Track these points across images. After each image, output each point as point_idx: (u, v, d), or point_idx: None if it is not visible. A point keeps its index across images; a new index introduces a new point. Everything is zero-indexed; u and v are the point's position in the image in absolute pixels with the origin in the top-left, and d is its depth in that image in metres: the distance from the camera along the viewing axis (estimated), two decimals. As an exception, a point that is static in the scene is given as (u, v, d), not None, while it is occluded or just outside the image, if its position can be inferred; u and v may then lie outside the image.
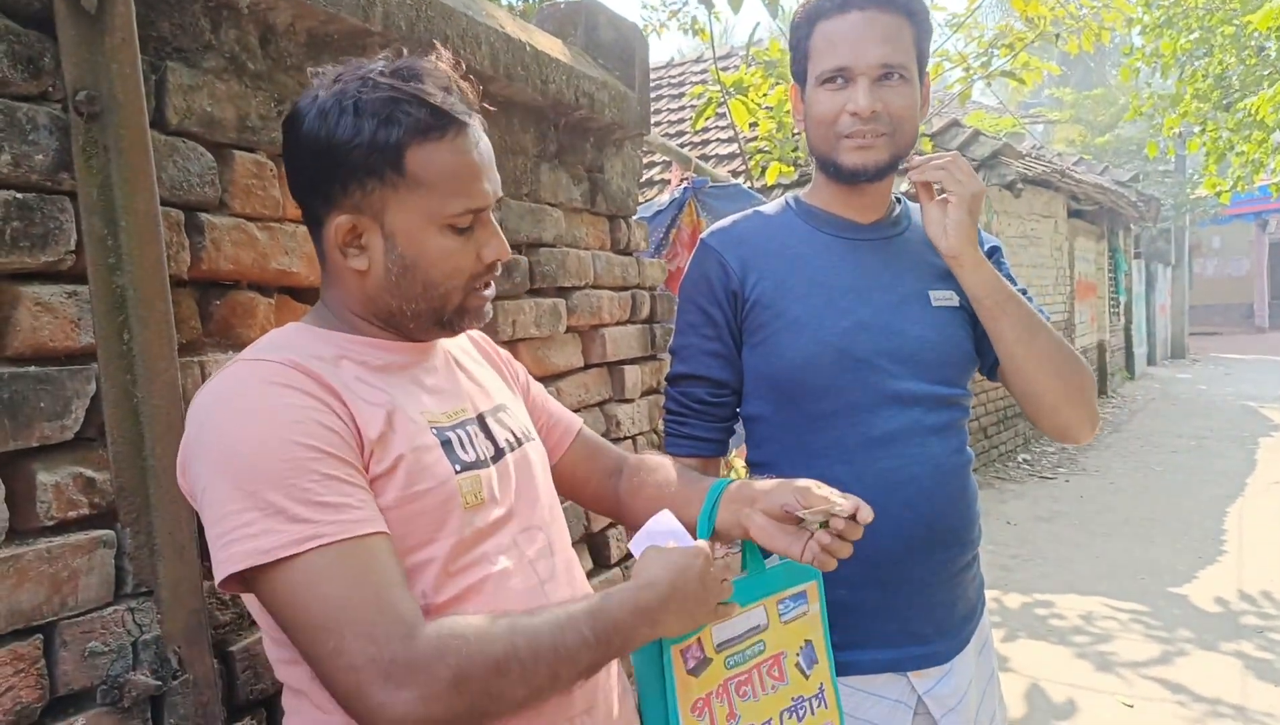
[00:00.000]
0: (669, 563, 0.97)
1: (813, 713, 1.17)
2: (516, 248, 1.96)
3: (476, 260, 0.97)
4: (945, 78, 5.65)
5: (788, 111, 5.29)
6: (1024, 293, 1.38)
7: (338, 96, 0.91)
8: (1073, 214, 9.94)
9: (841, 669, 1.25)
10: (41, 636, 0.95)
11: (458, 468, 0.92)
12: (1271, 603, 4.24)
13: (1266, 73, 7.13)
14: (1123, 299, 13.01)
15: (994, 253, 1.43)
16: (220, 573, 0.81)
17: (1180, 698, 3.32)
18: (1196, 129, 7.78)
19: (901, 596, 1.29)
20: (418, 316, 0.97)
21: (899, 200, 1.46)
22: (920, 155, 1.35)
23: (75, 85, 0.97)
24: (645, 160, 7.21)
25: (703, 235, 1.43)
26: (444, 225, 0.94)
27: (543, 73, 1.93)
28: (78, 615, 0.98)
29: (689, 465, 1.32)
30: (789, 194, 1.48)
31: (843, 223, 1.39)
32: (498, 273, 1.01)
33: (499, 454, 1.01)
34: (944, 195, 1.31)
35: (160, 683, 1.04)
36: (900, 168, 1.36)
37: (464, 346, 1.15)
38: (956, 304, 1.36)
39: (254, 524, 0.79)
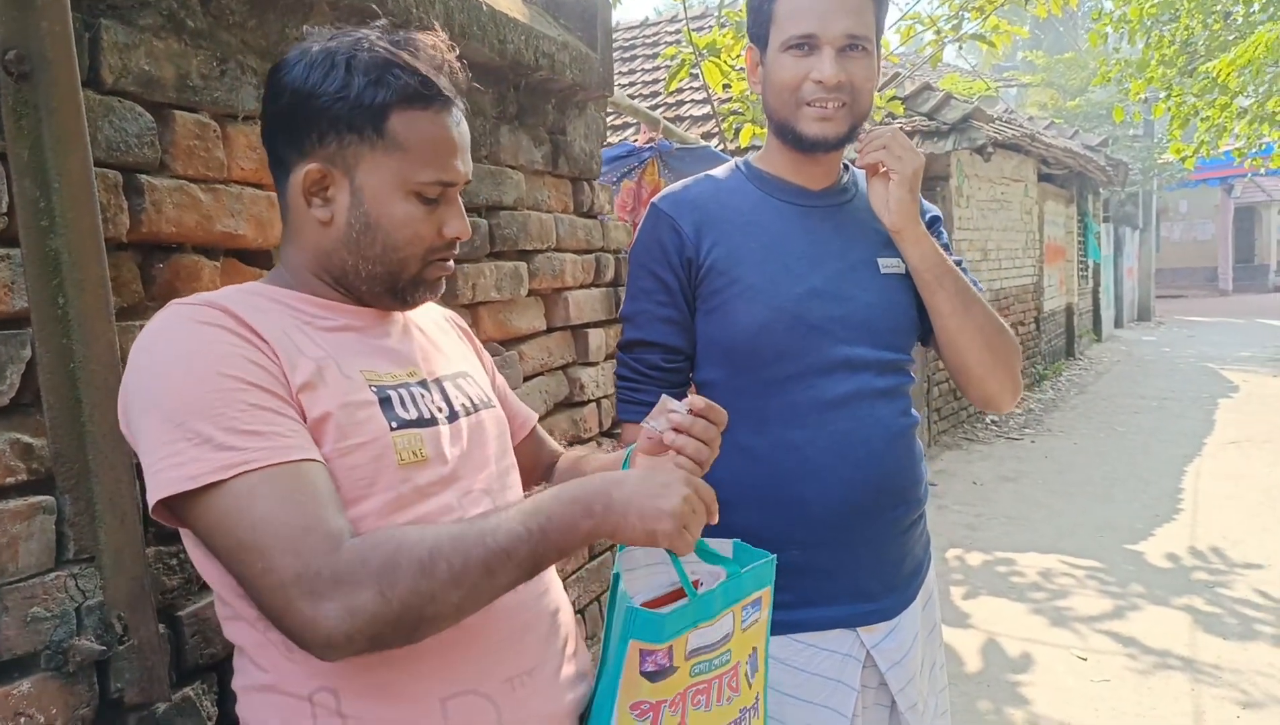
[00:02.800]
0: (631, 470, 0.96)
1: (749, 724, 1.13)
2: (476, 211, 1.94)
3: (438, 234, 0.99)
4: (917, 40, 5.63)
5: (758, 73, 5.26)
6: (959, 264, 1.40)
7: (329, 52, 0.93)
8: (1043, 178, 10.00)
9: (794, 626, 1.29)
10: (-18, 602, 0.95)
11: (394, 424, 0.92)
12: (1222, 559, 4.37)
13: (1232, 38, 7.17)
14: (1096, 261, 13.16)
15: (934, 222, 1.45)
16: (151, 501, 0.82)
17: (1131, 650, 3.43)
18: (1162, 94, 7.83)
19: (852, 555, 1.32)
20: (372, 278, 0.98)
21: (846, 167, 1.47)
22: (883, 123, 1.36)
23: (4, 44, 0.94)
24: (618, 122, 7.13)
25: (654, 199, 1.42)
26: (411, 191, 0.96)
27: (500, 32, 1.90)
28: (19, 581, 0.98)
29: (639, 430, 1.33)
30: (739, 158, 1.48)
31: (795, 189, 1.40)
32: (455, 250, 1.03)
33: (453, 416, 1.01)
34: (886, 171, 1.33)
35: (105, 648, 1.04)
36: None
37: (436, 320, 1.16)
38: (903, 271, 1.38)
39: (182, 453, 0.80)
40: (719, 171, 1.47)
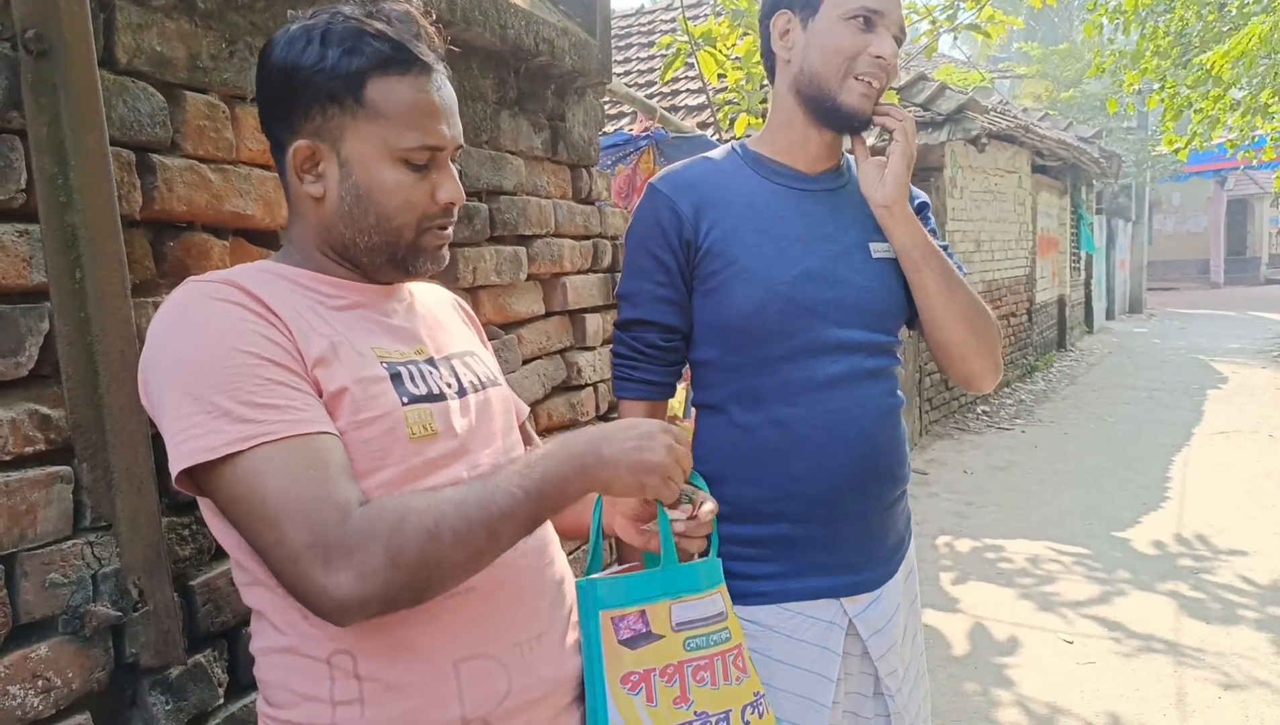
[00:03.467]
0: (613, 423, 1.00)
1: (760, 715, 1.12)
2: (476, 195, 1.96)
3: (431, 200, 0.99)
4: (912, 30, 5.65)
5: (756, 63, 5.26)
6: (945, 249, 1.43)
7: (306, 28, 0.95)
8: (1036, 169, 10.03)
9: (783, 595, 1.35)
10: (2, 567, 0.98)
11: (405, 400, 0.95)
12: (1207, 546, 4.43)
13: (1226, 29, 7.20)
14: (1090, 252, 13.22)
15: (923, 208, 1.49)
16: (174, 471, 0.85)
17: (1116, 634, 3.49)
18: (1156, 86, 7.86)
19: (839, 529, 1.37)
20: (371, 250, 0.99)
21: (843, 153, 1.50)
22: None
23: (24, 23, 0.97)
24: (613, 111, 7.14)
25: (652, 180, 1.44)
26: (398, 158, 0.96)
27: (501, 18, 1.92)
28: (37, 547, 1.01)
29: (636, 408, 1.41)
30: (735, 141, 1.50)
31: (791, 173, 1.43)
32: (453, 218, 1.03)
33: (462, 392, 1.03)
34: (879, 156, 1.37)
35: (120, 613, 1.07)
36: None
37: (442, 301, 1.19)
38: (893, 255, 1.41)
39: (202, 425, 0.83)
40: (716, 154, 1.49)
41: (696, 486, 1.13)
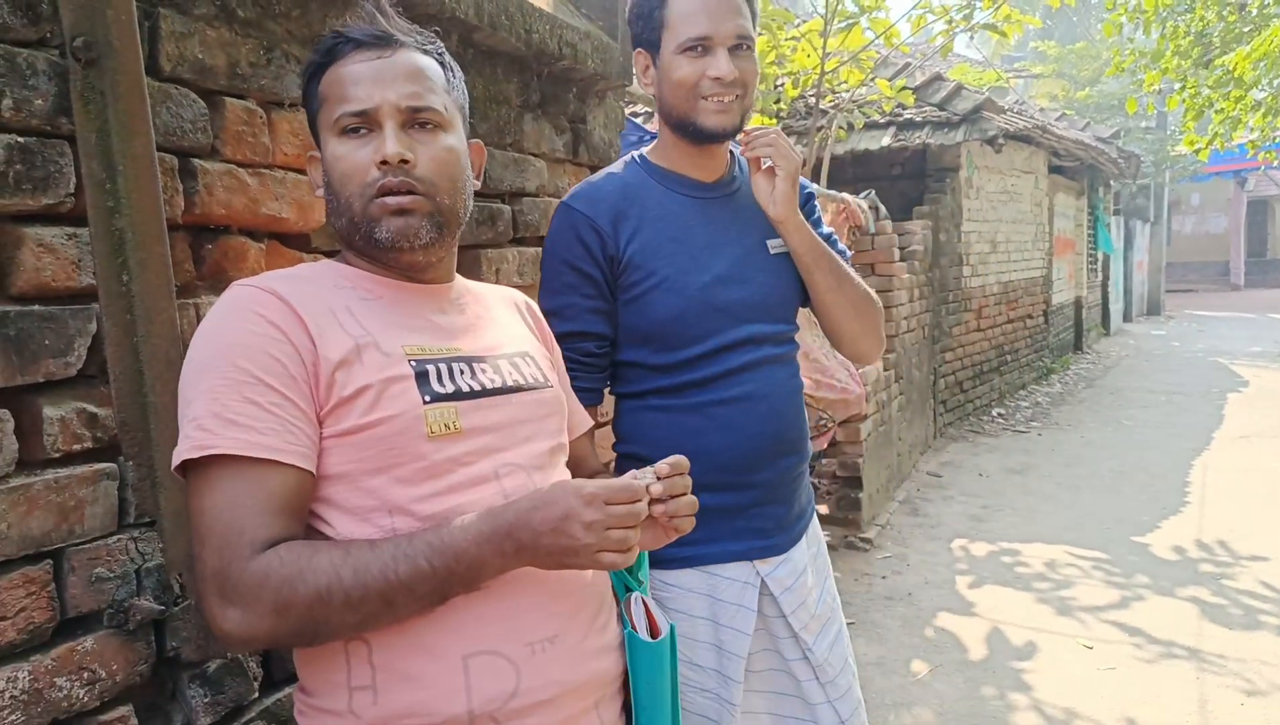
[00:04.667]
0: (536, 494, 0.93)
1: None
2: (499, 197, 1.99)
3: (369, 164, 0.99)
4: (928, 30, 5.64)
5: (770, 62, 5.28)
6: (830, 238, 1.62)
7: None
8: (1053, 169, 9.98)
9: (700, 560, 1.48)
10: (51, 562, 1.01)
11: (428, 398, 0.96)
12: (1228, 552, 4.41)
13: (1247, 30, 7.15)
14: (1108, 252, 13.13)
15: (809, 200, 1.65)
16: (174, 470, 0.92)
17: (1137, 640, 3.47)
18: (1177, 86, 7.81)
19: (751, 498, 1.50)
20: (349, 233, 1.03)
21: (732, 155, 1.60)
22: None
23: (73, 31, 0.99)
24: (627, 111, 7.16)
25: (566, 198, 1.52)
26: (337, 133, 1.01)
27: (526, 22, 1.94)
28: (84, 543, 1.04)
29: None
30: (634, 153, 1.59)
31: (692, 183, 1.53)
32: (395, 179, 0.99)
33: (502, 390, 1.04)
34: (769, 166, 1.47)
35: (163, 608, 1.10)
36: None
37: (505, 300, 1.22)
38: (786, 250, 1.55)
39: (183, 431, 0.90)
40: (617, 167, 1.57)
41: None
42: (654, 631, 1.09)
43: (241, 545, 0.86)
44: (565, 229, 1.49)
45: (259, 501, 0.87)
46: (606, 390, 1.56)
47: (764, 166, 1.48)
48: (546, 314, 1.48)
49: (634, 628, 1.07)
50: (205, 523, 0.87)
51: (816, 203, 1.67)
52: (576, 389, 1.47)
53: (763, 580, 1.50)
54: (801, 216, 1.51)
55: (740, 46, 1.42)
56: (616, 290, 1.48)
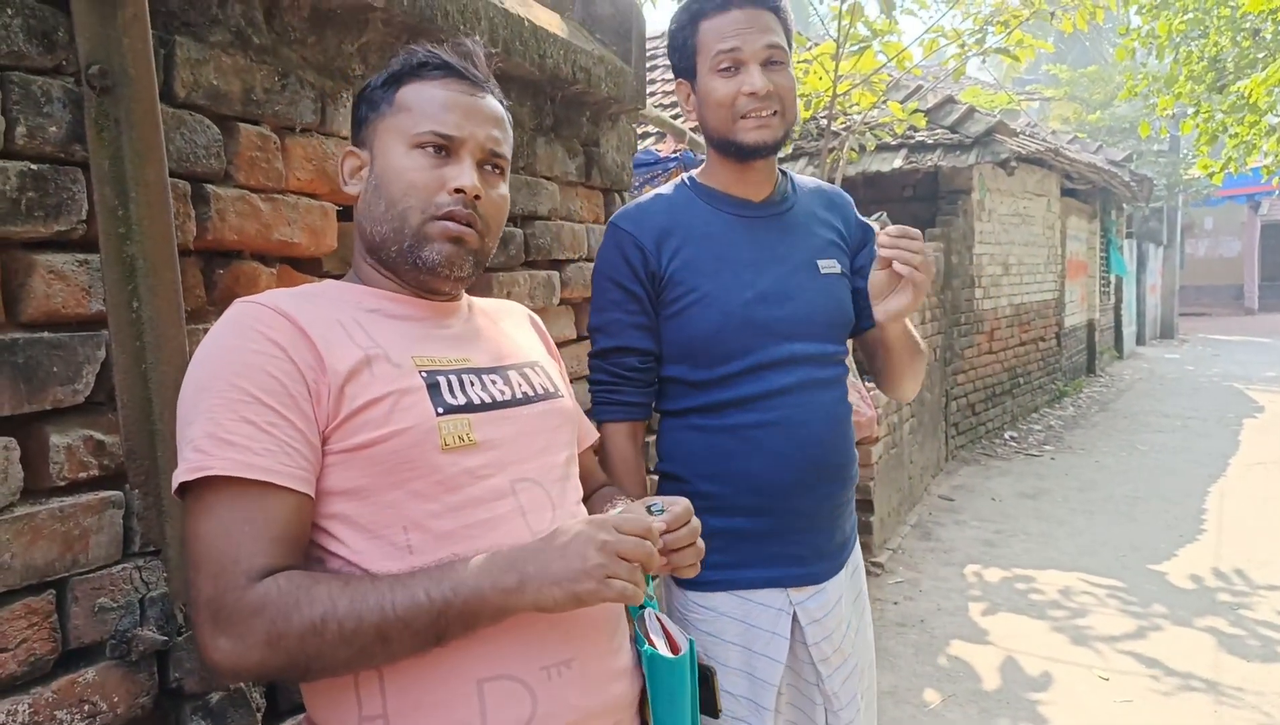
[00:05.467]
0: (544, 535, 0.92)
1: None
2: (511, 220, 1.98)
3: (440, 187, 1.01)
4: (940, 54, 5.65)
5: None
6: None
7: None
8: (1066, 192, 9.96)
9: (734, 584, 1.48)
10: (54, 592, 1.00)
11: (440, 410, 0.95)
12: (1246, 581, 4.34)
13: (1260, 55, 7.14)
14: (1121, 274, 13.06)
15: (867, 234, 1.64)
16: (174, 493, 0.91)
17: (1154, 671, 3.41)
18: (1190, 110, 7.79)
19: (788, 524, 1.49)
20: (386, 242, 1.03)
21: (784, 173, 1.61)
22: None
23: (88, 59, 0.99)
24: (641, 131, 7.19)
25: (613, 217, 1.56)
26: (412, 145, 1.02)
27: (540, 48, 1.94)
28: (88, 572, 1.02)
29: (620, 429, 1.53)
30: (684, 175, 1.62)
31: (738, 202, 1.55)
32: (466, 211, 1.01)
33: (515, 401, 1.04)
34: (900, 271, 1.39)
35: (166, 638, 1.08)
36: (878, 223, 1.46)
37: (513, 313, 1.23)
38: (839, 271, 1.56)
39: (181, 452, 0.89)
40: (667, 189, 1.61)
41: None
42: (673, 648, 1.07)
43: (237, 573, 0.84)
44: (611, 247, 1.53)
45: (255, 528, 0.86)
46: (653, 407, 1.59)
47: (893, 267, 1.39)
48: (592, 330, 1.56)
49: (652, 644, 1.05)
50: (200, 548, 0.86)
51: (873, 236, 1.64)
52: (621, 403, 1.53)
53: (794, 609, 1.48)
54: (904, 320, 1.50)
55: (772, 61, 1.44)
56: (660, 306, 1.50)
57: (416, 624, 0.86)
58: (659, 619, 1.10)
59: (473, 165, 1.03)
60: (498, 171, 1.07)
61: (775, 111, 1.45)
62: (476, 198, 1.02)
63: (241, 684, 1.20)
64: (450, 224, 1.01)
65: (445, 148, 1.02)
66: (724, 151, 1.51)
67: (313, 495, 0.91)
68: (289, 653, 0.84)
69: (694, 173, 1.61)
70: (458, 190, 1.01)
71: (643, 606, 1.11)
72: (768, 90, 1.42)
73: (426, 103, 1.02)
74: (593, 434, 1.32)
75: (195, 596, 0.85)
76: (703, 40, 1.46)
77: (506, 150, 1.08)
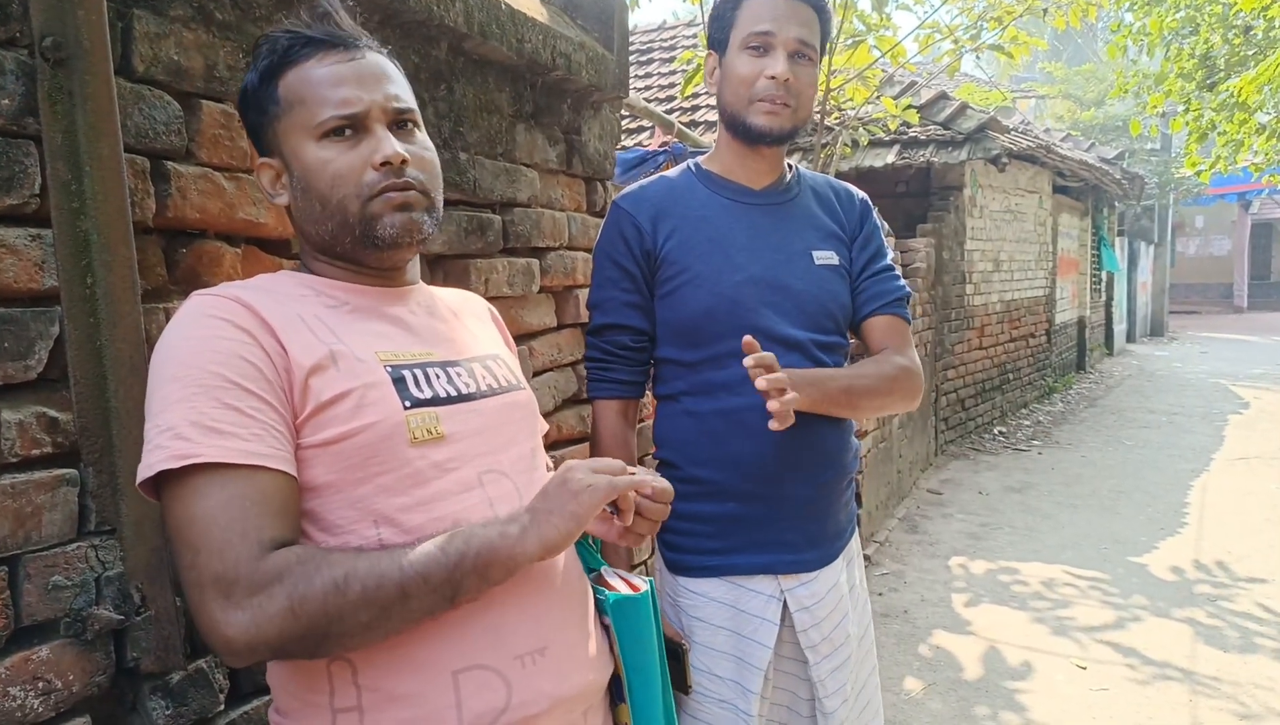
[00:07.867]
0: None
1: None
2: (490, 206, 1.97)
3: (364, 165, 0.97)
4: (934, 50, 5.64)
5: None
6: (890, 270, 1.62)
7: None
8: (1058, 190, 9.97)
9: (724, 570, 1.49)
10: (6, 569, 0.99)
11: (408, 404, 0.95)
12: (1225, 573, 4.36)
13: (1251, 53, 7.15)
14: (1112, 271, 13.09)
15: (867, 210, 1.66)
16: (139, 484, 0.87)
17: (1131, 660, 3.43)
18: (1181, 108, 7.80)
19: (780, 510, 1.49)
20: (336, 238, 1.00)
21: (792, 167, 1.63)
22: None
23: (42, 31, 0.98)
24: (632, 125, 7.17)
25: (616, 198, 1.58)
26: (318, 137, 0.98)
27: (518, 31, 1.93)
28: (41, 550, 1.02)
29: (611, 407, 1.57)
30: (691, 160, 1.64)
31: (738, 188, 1.57)
32: (403, 178, 0.99)
33: (479, 394, 1.03)
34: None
35: (122, 617, 1.08)
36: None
37: (470, 304, 1.20)
38: (836, 262, 1.57)
39: (152, 441, 0.85)
40: (672, 173, 1.63)
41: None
42: (633, 590, 1.10)
43: (248, 544, 0.82)
44: (610, 226, 1.56)
45: (257, 504, 0.84)
46: (648, 389, 1.59)
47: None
48: (590, 307, 1.59)
49: (613, 589, 1.08)
50: (197, 530, 0.82)
51: (883, 237, 1.67)
52: (610, 380, 1.56)
53: (784, 596, 1.49)
54: (810, 392, 1.39)
55: (800, 55, 1.47)
56: (654, 286, 1.53)
57: (434, 578, 0.86)
58: (617, 574, 1.14)
59: (385, 132, 0.99)
60: (409, 126, 1.03)
61: (789, 105, 1.47)
62: (404, 162, 0.99)
63: (203, 665, 1.19)
64: (392, 194, 0.99)
65: (351, 126, 0.98)
66: (733, 130, 1.53)
67: (297, 479, 0.90)
68: (310, 618, 0.82)
69: (700, 158, 1.62)
70: (384, 163, 0.97)
71: (598, 569, 1.15)
72: (788, 79, 1.45)
73: (313, 88, 0.97)
74: (544, 427, 1.29)
75: (197, 578, 0.82)
76: (742, 15, 1.48)
77: (409, 99, 1.03)
